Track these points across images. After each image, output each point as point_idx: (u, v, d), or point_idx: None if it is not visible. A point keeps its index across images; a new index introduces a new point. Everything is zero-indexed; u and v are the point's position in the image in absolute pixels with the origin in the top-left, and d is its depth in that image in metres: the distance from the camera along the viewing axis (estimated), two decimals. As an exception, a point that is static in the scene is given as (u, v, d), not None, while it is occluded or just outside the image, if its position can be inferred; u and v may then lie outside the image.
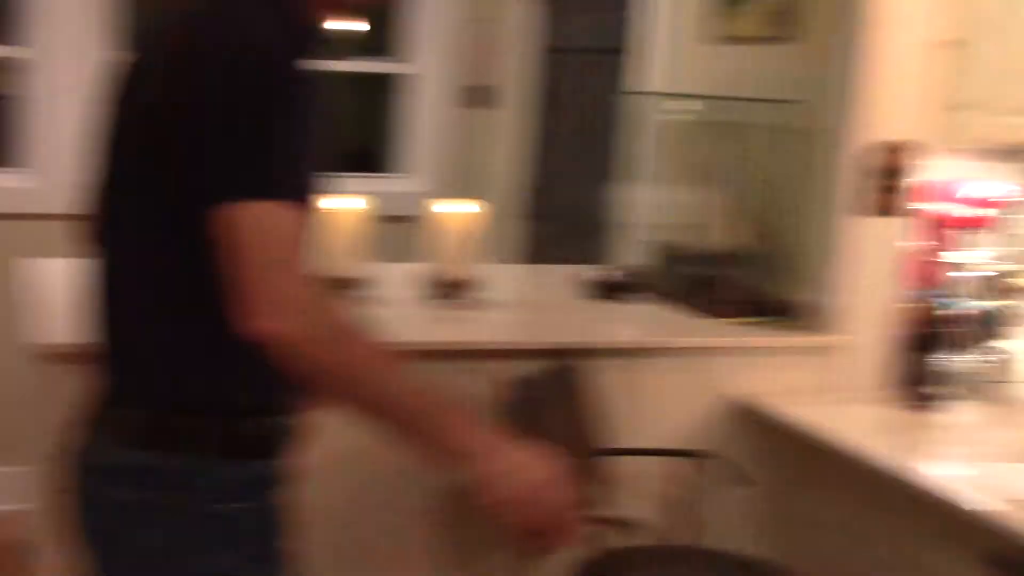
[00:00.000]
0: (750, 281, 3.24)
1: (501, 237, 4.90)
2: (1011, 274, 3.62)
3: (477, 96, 5.09)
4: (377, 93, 5.68)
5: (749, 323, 3.05)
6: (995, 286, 3.58)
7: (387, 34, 5.54)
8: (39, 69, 4.64)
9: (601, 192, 4.37)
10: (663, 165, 3.69)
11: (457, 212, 3.14)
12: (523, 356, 2.74)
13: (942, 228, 3.77)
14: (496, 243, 4.74)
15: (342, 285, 3.04)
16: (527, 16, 4.92)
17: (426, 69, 5.10)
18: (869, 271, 2.96)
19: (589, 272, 3.41)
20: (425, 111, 5.12)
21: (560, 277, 3.61)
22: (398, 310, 3.09)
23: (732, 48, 3.52)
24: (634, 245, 3.75)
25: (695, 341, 2.94)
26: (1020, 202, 3.88)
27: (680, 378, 2.90)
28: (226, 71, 1.55)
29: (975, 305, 3.36)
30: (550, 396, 2.67)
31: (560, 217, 4.71)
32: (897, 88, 2.92)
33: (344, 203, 3.09)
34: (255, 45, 1.58)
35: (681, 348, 2.92)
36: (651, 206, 3.74)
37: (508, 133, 5.07)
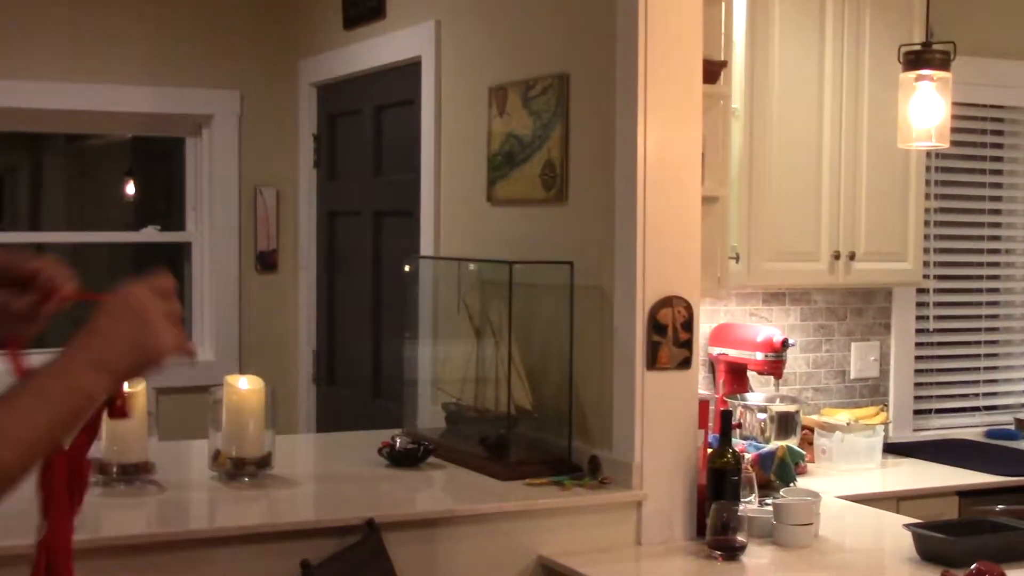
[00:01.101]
0: (543, 439, 3.25)
1: (293, 404, 4.84)
2: (795, 413, 3.74)
3: (263, 261, 5.05)
4: (159, 262, 5.58)
5: (547, 483, 3.04)
6: (785, 426, 3.69)
7: (168, 202, 5.48)
8: None
9: (390, 353, 4.36)
10: (448, 324, 3.70)
11: (247, 386, 3.06)
12: (328, 534, 2.67)
13: (730, 374, 3.89)
14: (288, 411, 4.68)
15: (131, 470, 2.91)
16: (309, 182, 4.93)
17: (209, 236, 5.03)
18: (662, 424, 3.00)
19: (381, 438, 3.36)
20: (209, 278, 5.04)
21: (354, 444, 3.56)
22: (194, 493, 2.98)
23: (506, 210, 3.58)
24: (424, 406, 3.73)
25: (496, 506, 2.90)
26: (796, 343, 4.03)
27: (485, 544, 2.86)
28: None
29: (768, 448, 3.44)
30: (361, 574, 2.60)
31: (351, 380, 4.66)
32: (669, 243, 3.00)
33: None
34: None
35: (483, 514, 2.88)
36: (438, 366, 3.73)
37: (295, 296, 5.03)
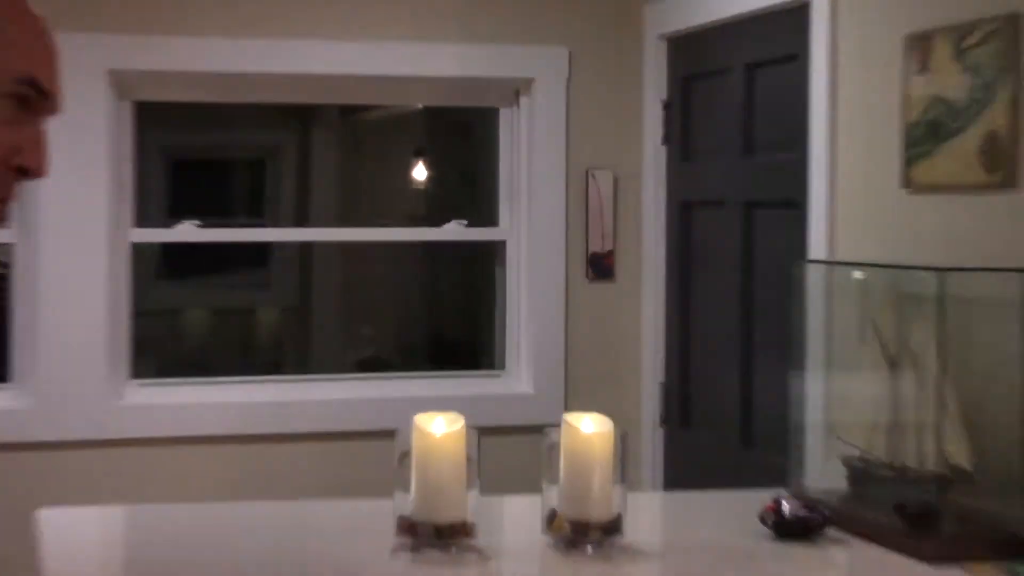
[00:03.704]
0: (986, 509, 3.15)
1: (635, 451, 4.85)
2: None
3: (596, 266, 5.10)
4: (465, 269, 5.72)
5: (995, 570, 2.93)
6: None
7: (472, 190, 5.61)
8: (32, 269, 4.74)
9: (764, 386, 4.32)
10: (848, 352, 3.64)
11: (592, 428, 3.07)
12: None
13: None
14: (632, 459, 4.70)
15: (448, 533, 2.97)
16: (657, 163, 4.94)
17: (527, 234, 5.14)
18: None
19: (759, 499, 3.32)
20: (527, 288, 5.13)
21: (722, 507, 3.55)
22: (524, 566, 3.02)
23: (930, 199, 3.51)
24: (815, 459, 3.68)
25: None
26: None
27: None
28: None
29: None
30: None
31: (712, 423, 4.66)
32: None
33: (439, 425, 3.03)
34: None
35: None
36: (834, 407, 3.68)
37: (637, 312, 5.06)
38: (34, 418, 4.73)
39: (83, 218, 4.75)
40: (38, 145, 1.64)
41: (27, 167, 1.63)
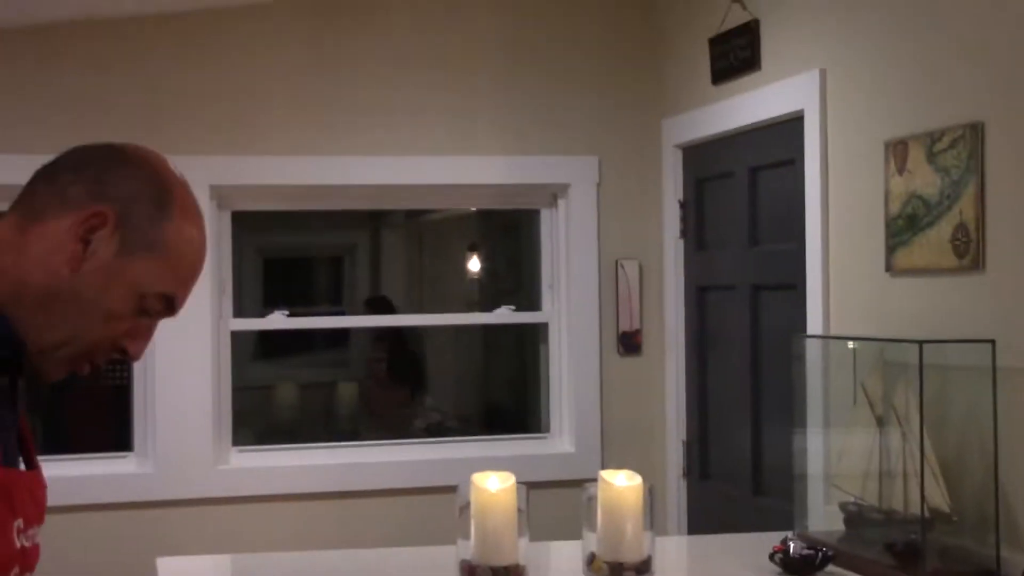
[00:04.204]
0: (963, 546, 3.13)
1: (662, 501, 4.85)
2: None
3: (626, 342, 5.11)
4: (514, 347, 5.74)
5: (973, 598, 2.92)
6: None
7: (518, 279, 5.64)
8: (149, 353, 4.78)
9: (771, 443, 4.31)
10: (842, 412, 3.63)
11: (625, 482, 3.08)
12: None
13: None
14: (660, 508, 4.70)
15: (503, 574, 2.98)
16: (676, 254, 4.96)
17: (566, 316, 5.14)
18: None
19: (767, 541, 3.32)
20: (567, 362, 5.14)
21: (738, 548, 3.53)
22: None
23: (909, 281, 3.50)
24: (817, 506, 3.66)
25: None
26: None
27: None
28: None
29: None
30: None
31: (728, 475, 4.64)
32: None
33: (493, 482, 3.05)
34: None
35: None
36: (832, 460, 3.66)
37: (662, 381, 5.06)
38: (152, 481, 4.76)
39: (191, 310, 4.72)
40: (145, 337, 1.58)
41: (127, 351, 1.57)
